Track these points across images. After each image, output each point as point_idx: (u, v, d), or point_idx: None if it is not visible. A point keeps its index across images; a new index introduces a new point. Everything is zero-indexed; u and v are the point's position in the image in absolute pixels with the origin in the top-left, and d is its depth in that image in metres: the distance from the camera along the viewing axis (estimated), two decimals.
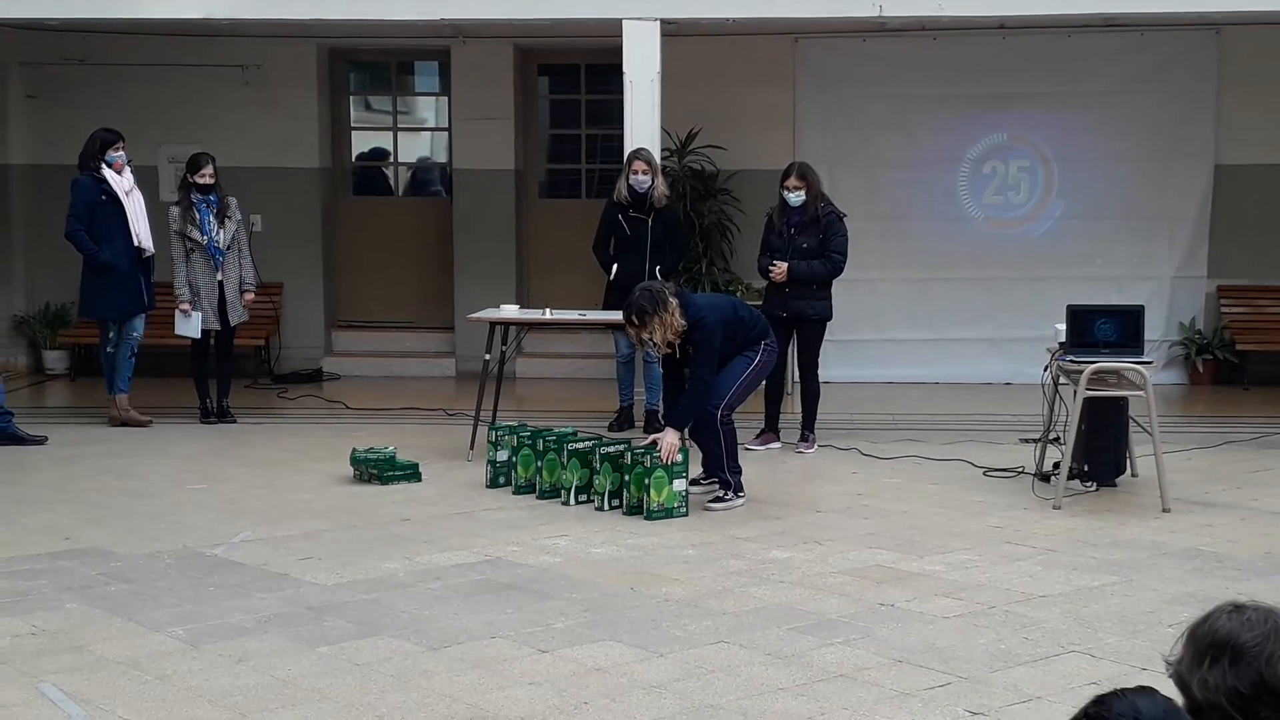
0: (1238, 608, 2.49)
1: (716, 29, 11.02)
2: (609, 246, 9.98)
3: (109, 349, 10.16)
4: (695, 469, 7.93)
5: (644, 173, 9.71)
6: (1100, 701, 2.31)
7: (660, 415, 8.97)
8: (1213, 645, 2.43)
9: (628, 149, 9.91)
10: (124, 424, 10.02)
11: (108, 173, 9.95)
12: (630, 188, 9.76)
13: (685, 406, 7.73)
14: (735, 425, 7.93)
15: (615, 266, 9.84)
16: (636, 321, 7.56)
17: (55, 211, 10.21)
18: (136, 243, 9.99)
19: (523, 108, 12.87)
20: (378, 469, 8.29)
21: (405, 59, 13.55)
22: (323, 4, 10.37)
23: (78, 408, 10.79)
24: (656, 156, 9.94)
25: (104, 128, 10.14)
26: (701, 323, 7.62)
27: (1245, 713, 2.37)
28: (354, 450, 8.46)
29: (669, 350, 7.74)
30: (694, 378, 7.70)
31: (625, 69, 10.05)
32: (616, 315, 9.15)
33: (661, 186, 9.84)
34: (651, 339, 7.62)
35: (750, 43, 11.88)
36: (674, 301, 7.55)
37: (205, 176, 10.15)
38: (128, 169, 10.10)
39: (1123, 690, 2.34)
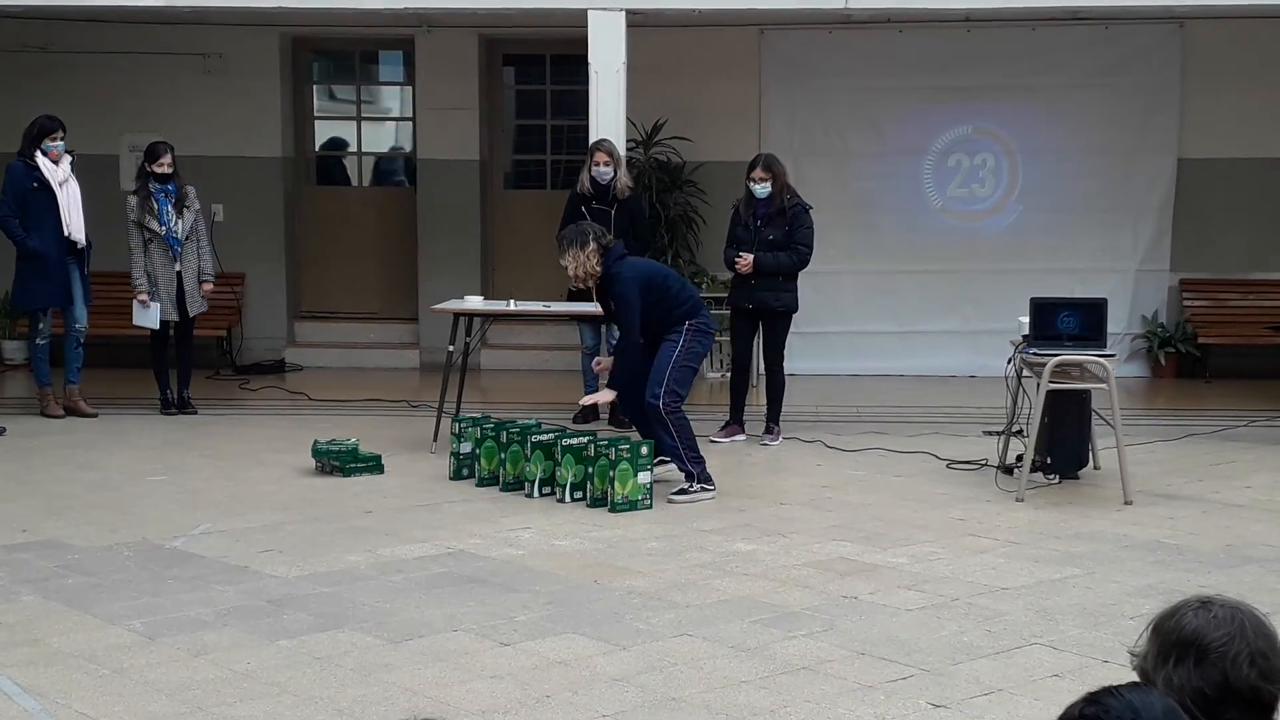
0: (1204, 604, 2.44)
1: (682, 20, 11.00)
2: None
3: (39, 340, 10.05)
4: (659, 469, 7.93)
5: (606, 164, 9.68)
6: (1094, 700, 2.18)
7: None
8: (1179, 643, 2.39)
9: (593, 140, 9.89)
10: (74, 414, 9.95)
11: (42, 160, 9.80)
12: (593, 179, 9.74)
13: (616, 365, 7.96)
14: (686, 416, 7.90)
15: None
16: (558, 247, 7.95)
17: None
18: (67, 233, 9.88)
19: (488, 98, 12.82)
20: (340, 461, 8.24)
21: (369, 48, 13.47)
22: None
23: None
24: (621, 148, 9.91)
25: (46, 115, 9.97)
26: (619, 277, 7.83)
27: (1209, 714, 2.32)
28: (316, 442, 8.40)
29: (583, 287, 8.12)
30: (620, 333, 8.08)
31: (591, 60, 10.01)
32: (581, 307, 9.17)
33: (624, 178, 9.82)
34: (568, 269, 7.92)
35: (716, 34, 11.87)
36: (593, 245, 7.80)
37: (163, 165, 10.04)
38: (65, 159, 9.94)
39: (1116, 687, 2.20)
